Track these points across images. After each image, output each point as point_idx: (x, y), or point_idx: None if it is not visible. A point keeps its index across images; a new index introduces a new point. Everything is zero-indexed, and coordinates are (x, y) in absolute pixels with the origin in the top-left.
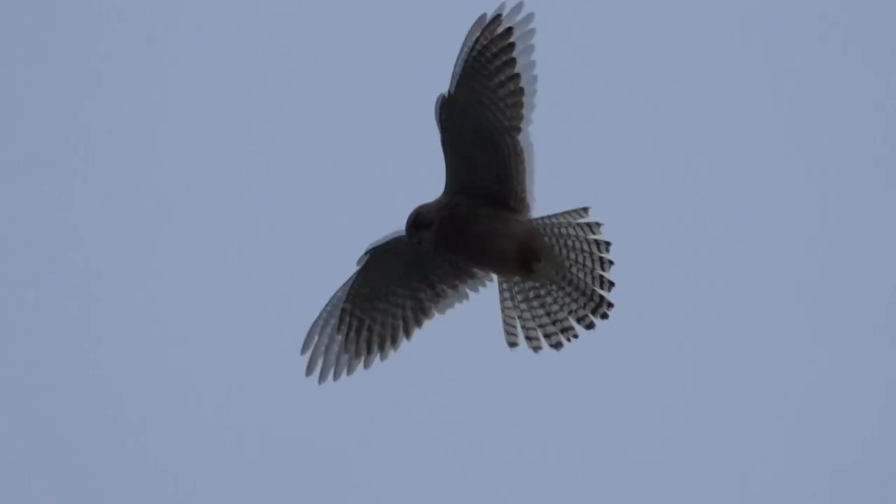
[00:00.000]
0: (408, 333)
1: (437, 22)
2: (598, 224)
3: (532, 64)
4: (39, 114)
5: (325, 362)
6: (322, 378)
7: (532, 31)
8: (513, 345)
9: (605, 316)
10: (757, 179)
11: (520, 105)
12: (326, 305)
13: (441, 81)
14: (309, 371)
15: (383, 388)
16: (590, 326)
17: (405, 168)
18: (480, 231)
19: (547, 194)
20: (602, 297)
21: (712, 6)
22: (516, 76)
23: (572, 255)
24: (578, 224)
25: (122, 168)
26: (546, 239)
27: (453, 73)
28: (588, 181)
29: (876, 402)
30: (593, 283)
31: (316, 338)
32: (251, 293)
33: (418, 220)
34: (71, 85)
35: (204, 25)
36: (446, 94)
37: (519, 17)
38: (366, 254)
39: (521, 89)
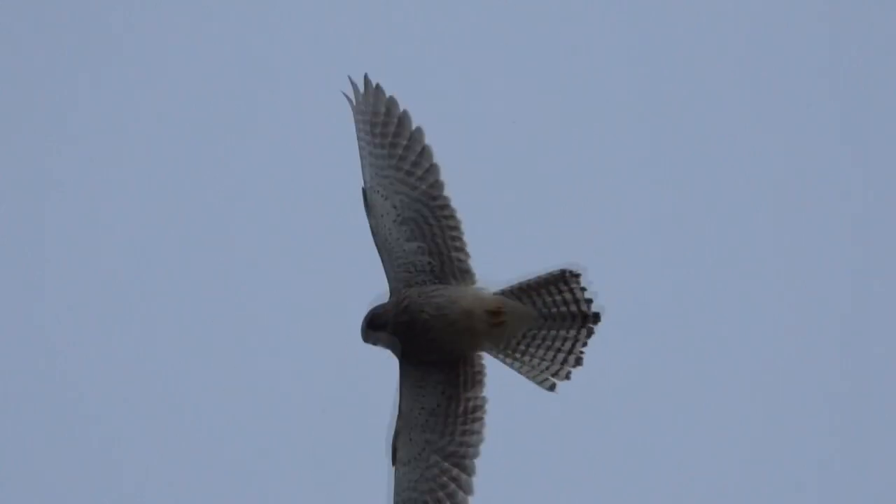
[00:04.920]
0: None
1: (426, 24)
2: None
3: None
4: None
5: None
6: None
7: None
8: (552, 387)
9: (597, 321)
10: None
11: (434, 170)
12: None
13: (433, 90)
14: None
15: (381, 388)
16: (590, 334)
17: None
18: (439, 303)
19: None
20: (584, 313)
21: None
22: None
23: (548, 298)
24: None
25: (119, 167)
26: (502, 295)
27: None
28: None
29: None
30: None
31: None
32: (248, 295)
33: (373, 322)
34: (55, 88)
35: (203, 27)
36: (364, 186)
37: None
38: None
39: (426, 148)
